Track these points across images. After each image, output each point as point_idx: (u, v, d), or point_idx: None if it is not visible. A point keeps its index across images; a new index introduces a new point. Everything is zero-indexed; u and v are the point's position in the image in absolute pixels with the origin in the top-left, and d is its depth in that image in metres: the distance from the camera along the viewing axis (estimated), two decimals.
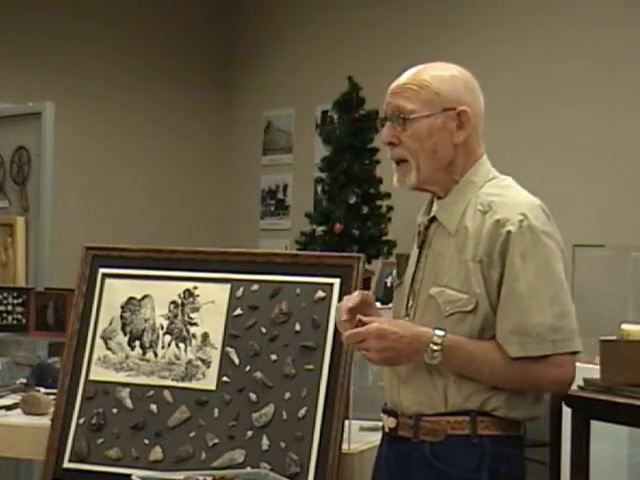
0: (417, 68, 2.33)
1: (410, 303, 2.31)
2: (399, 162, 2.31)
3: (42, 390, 3.41)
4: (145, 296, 3.02)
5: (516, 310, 2.17)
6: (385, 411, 2.34)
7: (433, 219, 2.32)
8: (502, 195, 2.25)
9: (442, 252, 2.27)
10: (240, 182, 8.53)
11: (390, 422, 2.31)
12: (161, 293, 3.00)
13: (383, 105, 2.34)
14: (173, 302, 2.98)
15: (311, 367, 2.77)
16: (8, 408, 3.25)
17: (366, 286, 4.28)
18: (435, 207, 2.34)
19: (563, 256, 2.23)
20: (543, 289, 2.17)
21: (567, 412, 3.94)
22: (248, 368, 2.83)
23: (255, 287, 2.91)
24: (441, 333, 2.18)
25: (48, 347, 4.32)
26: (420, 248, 2.34)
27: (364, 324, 2.21)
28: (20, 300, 4.19)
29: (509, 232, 2.17)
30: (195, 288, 2.97)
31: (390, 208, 6.64)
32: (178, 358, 2.92)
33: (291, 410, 2.75)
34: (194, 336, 2.92)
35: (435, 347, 2.17)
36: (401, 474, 2.29)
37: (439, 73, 2.31)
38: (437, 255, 2.28)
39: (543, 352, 2.16)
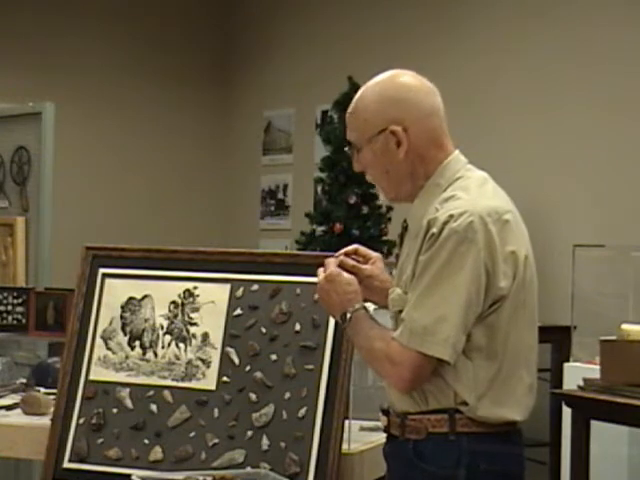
0: (360, 90, 2.41)
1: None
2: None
3: (42, 390, 3.41)
4: (145, 296, 3.02)
5: (409, 303, 2.21)
6: (381, 410, 2.39)
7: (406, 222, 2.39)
8: (455, 197, 2.24)
9: (406, 254, 2.32)
10: (240, 182, 8.53)
11: (383, 420, 2.37)
12: (161, 293, 3.00)
13: None
14: (173, 302, 2.98)
15: (311, 367, 2.77)
16: (8, 408, 3.26)
17: None
18: None
19: (495, 267, 2.18)
20: (433, 293, 2.17)
21: (567, 412, 3.95)
22: (248, 368, 2.83)
23: (255, 287, 2.91)
24: (357, 306, 2.32)
25: (48, 347, 4.31)
26: (399, 251, 2.42)
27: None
28: (20, 300, 4.19)
29: (432, 234, 2.19)
30: (195, 288, 2.97)
31: (390, 208, 6.64)
32: (178, 358, 2.92)
33: (291, 410, 2.75)
34: (194, 336, 2.92)
35: (349, 312, 2.32)
36: (391, 471, 2.36)
37: (366, 95, 2.36)
38: (403, 257, 2.35)
39: (411, 344, 2.17)
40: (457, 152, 2.34)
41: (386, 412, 2.35)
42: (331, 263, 2.38)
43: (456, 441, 2.21)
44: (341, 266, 2.40)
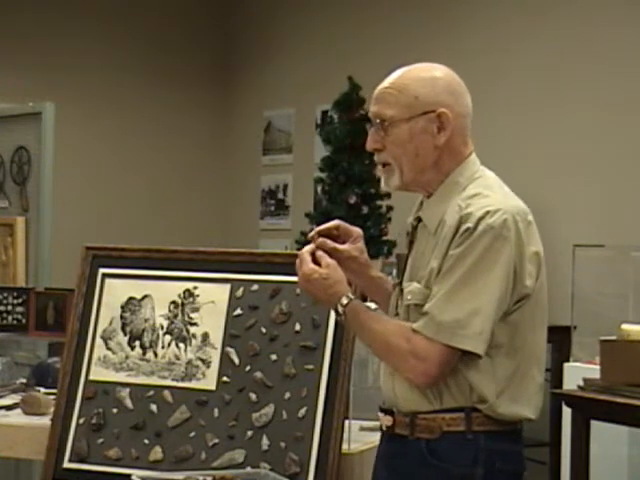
0: (399, 71, 2.34)
1: (399, 302, 2.34)
2: (384, 165, 2.34)
3: (42, 390, 3.41)
4: (145, 296, 3.02)
5: (437, 296, 2.19)
6: (382, 410, 2.36)
7: (420, 219, 2.35)
8: (482, 195, 2.24)
9: (422, 251, 2.30)
10: (240, 182, 8.53)
11: (387, 420, 2.33)
12: (161, 293, 3.00)
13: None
14: (173, 302, 2.98)
15: (311, 367, 2.77)
16: (8, 408, 3.25)
17: None
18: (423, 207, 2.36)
19: (522, 265, 2.20)
20: (465, 287, 2.16)
21: (567, 412, 3.95)
22: (248, 368, 2.83)
23: (255, 287, 2.91)
24: (351, 296, 2.28)
25: (48, 347, 4.31)
26: (409, 248, 2.38)
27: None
28: (20, 300, 4.19)
29: (467, 229, 2.18)
30: (195, 288, 2.97)
31: (390, 208, 6.64)
32: (178, 358, 2.92)
33: (291, 410, 2.75)
34: (194, 336, 2.92)
35: (340, 308, 2.28)
36: (399, 472, 2.31)
37: (419, 75, 2.31)
38: (418, 254, 2.32)
39: (438, 338, 2.16)
40: (474, 154, 2.35)
41: (389, 411, 2.32)
42: (305, 258, 2.32)
43: (473, 440, 2.21)
44: (320, 247, 2.34)
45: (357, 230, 2.44)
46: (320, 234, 2.38)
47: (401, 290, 2.34)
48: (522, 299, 2.22)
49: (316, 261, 2.32)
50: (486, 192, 2.25)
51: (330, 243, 2.37)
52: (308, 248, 2.35)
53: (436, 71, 2.33)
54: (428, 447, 2.23)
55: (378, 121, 2.30)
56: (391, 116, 2.28)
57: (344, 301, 2.28)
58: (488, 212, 2.18)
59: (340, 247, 2.38)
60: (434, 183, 2.31)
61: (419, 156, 2.28)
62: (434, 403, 2.23)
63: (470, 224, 2.18)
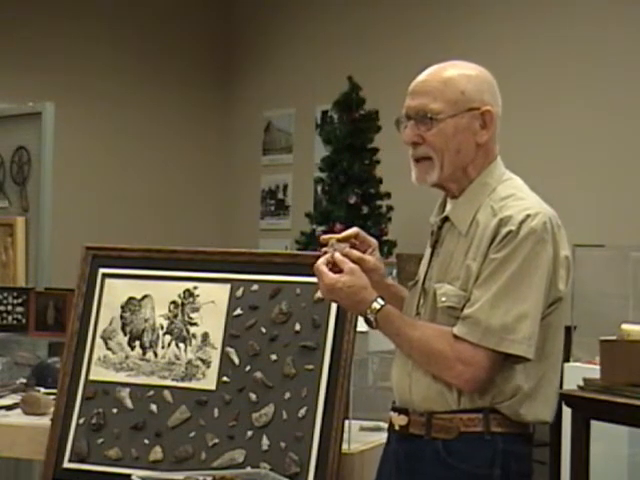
0: (440, 65, 2.32)
1: (421, 302, 2.32)
2: (419, 159, 2.29)
3: (42, 390, 3.41)
4: (145, 296, 3.02)
5: (481, 300, 2.17)
6: (395, 409, 2.34)
7: (446, 219, 2.32)
8: (516, 196, 2.24)
9: (451, 251, 2.27)
10: (240, 182, 8.53)
11: (401, 420, 2.31)
12: (161, 293, 3.00)
13: (405, 102, 2.30)
14: (173, 302, 2.98)
15: (311, 367, 2.77)
16: (8, 408, 3.26)
17: None
18: (449, 207, 2.33)
19: (556, 269, 2.20)
20: (511, 292, 2.16)
21: (567, 412, 3.94)
22: (248, 368, 2.83)
23: (255, 287, 2.91)
24: (382, 302, 2.24)
25: (48, 347, 4.31)
26: (433, 247, 2.35)
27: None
28: (20, 300, 4.18)
29: (509, 232, 2.17)
30: (195, 288, 2.97)
31: (390, 208, 6.65)
32: (178, 358, 2.92)
33: (291, 410, 2.75)
34: (194, 336, 2.92)
35: (370, 315, 2.24)
36: (412, 472, 2.29)
37: (464, 72, 2.30)
38: (447, 254, 2.29)
39: (484, 343, 2.15)
40: (499, 156, 2.35)
41: (404, 411, 2.30)
42: (322, 271, 2.25)
43: (491, 441, 2.21)
44: (346, 256, 2.28)
45: (374, 241, 2.42)
46: (339, 241, 2.33)
47: (424, 290, 2.32)
48: (555, 302, 2.22)
49: (335, 267, 2.27)
50: (520, 194, 2.25)
51: (357, 253, 2.32)
52: (323, 260, 2.28)
53: (477, 69, 2.33)
54: (445, 447, 2.22)
55: (421, 114, 2.25)
56: (438, 110, 2.24)
57: (375, 307, 2.24)
58: (529, 215, 2.18)
59: (366, 257, 2.34)
60: (464, 181, 2.29)
61: (460, 152, 2.26)
62: (452, 403, 2.22)
63: (512, 227, 2.17)
